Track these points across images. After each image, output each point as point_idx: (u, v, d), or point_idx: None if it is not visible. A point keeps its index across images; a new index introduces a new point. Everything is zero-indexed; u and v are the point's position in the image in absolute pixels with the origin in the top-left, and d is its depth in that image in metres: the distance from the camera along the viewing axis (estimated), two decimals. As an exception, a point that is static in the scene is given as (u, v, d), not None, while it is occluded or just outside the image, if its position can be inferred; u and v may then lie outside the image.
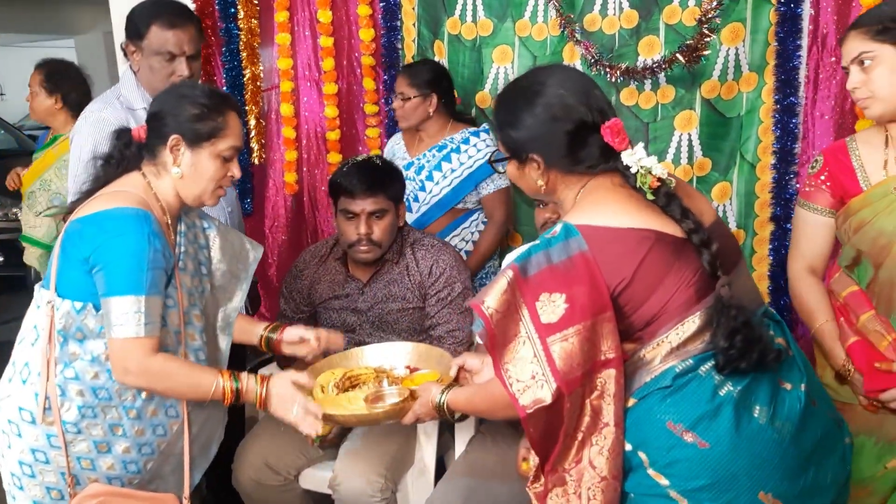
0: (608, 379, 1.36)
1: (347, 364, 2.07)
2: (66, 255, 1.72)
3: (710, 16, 2.60)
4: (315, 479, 2.39)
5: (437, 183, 2.89)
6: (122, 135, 1.85)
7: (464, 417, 1.68)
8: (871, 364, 1.81)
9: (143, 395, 1.74)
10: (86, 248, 1.67)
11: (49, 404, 1.70)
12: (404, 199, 2.49)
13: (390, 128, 3.22)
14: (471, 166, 2.86)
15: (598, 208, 1.41)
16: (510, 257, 2.41)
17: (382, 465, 2.25)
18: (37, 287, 1.81)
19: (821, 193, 1.93)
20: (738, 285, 1.42)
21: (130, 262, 1.64)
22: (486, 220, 2.93)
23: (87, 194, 1.80)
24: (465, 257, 2.79)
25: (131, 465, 1.77)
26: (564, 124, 1.44)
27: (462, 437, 2.33)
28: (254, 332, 2.05)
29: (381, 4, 3.17)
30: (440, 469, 2.40)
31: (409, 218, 2.86)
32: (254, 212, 3.39)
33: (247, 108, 3.38)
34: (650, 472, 1.37)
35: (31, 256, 3.58)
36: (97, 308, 1.69)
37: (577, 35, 2.86)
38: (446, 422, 1.73)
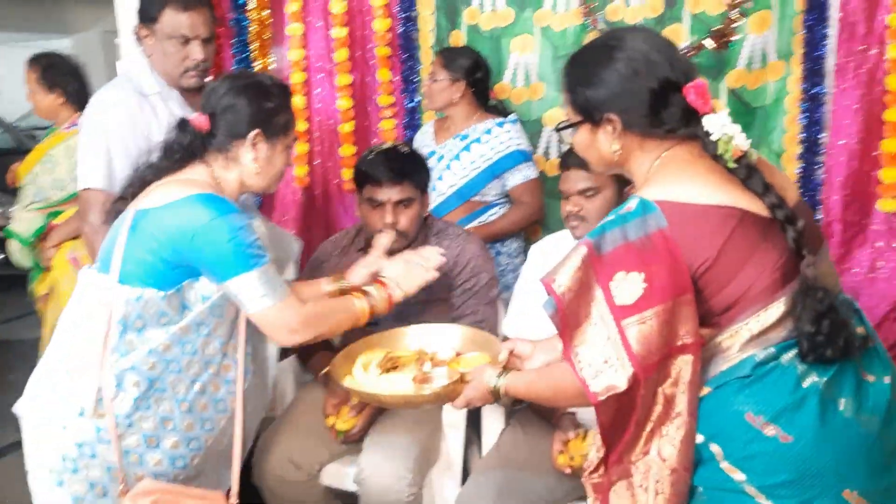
0: (684, 365, 1.28)
1: (387, 345, 1.99)
2: (136, 242, 1.67)
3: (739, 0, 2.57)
4: (338, 474, 2.31)
5: (456, 173, 2.83)
6: (185, 127, 1.80)
7: (519, 403, 1.60)
8: None
9: (196, 387, 1.71)
10: (173, 236, 1.65)
11: (102, 395, 1.63)
12: (430, 190, 2.42)
13: (407, 120, 3.15)
14: (491, 158, 2.79)
15: (677, 182, 1.32)
16: (536, 249, 2.35)
17: (410, 459, 2.17)
18: (85, 273, 1.76)
19: None
20: (822, 270, 1.34)
21: (236, 240, 1.65)
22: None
23: (141, 183, 1.77)
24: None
25: (178, 461, 1.71)
26: (648, 80, 1.36)
27: (492, 431, 2.25)
28: (318, 291, 2.01)
29: (397, -6, 3.11)
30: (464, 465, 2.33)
31: (427, 208, 2.78)
32: (263, 204, 3.31)
33: (257, 100, 3.30)
34: (724, 465, 1.30)
35: (11, 249, 3.49)
36: (164, 292, 1.66)
37: (599, 24, 2.82)
38: (504, 407, 1.64)
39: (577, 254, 1.32)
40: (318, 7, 3.23)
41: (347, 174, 3.19)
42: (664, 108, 1.36)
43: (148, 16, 2.28)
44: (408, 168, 2.32)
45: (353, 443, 2.31)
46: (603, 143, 1.43)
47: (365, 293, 1.91)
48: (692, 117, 1.36)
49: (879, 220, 2.65)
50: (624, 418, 1.30)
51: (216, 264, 1.66)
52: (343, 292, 1.99)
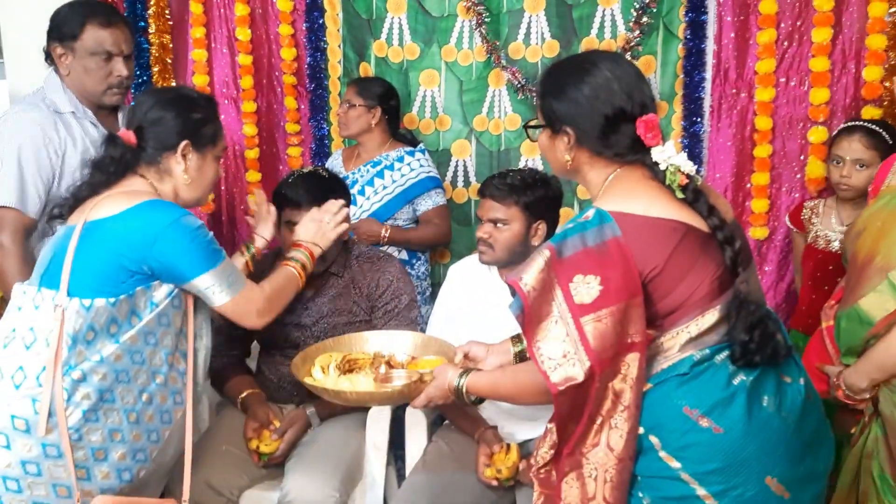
0: (632, 362, 1.39)
1: (343, 349, 2.05)
2: (87, 254, 1.67)
3: (631, 45, 2.82)
4: (258, 499, 2.29)
5: (369, 198, 2.90)
6: (115, 141, 1.80)
7: (480, 401, 1.68)
8: (813, 366, 1.97)
9: (144, 397, 1.70)
10: (133, 242, 1.67)
11: (53, 410, 1.60)
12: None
13: (315, 148, 3.20)
14: (403, 184, 2.89)
15: (629, 197, 1.45)
16: (455, 270, 2.45)
17: (336, 479, 2.19)
18: (22, 288, 1.73)
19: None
20: (752, 284, 1.49)
21: (197, 239, 1.72)
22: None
23: (76, 198, 1.77)
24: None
25: (125, 474, 1.70)
26: (604, 107, 1.48)
27: (415, 447, 2.31)
28: (238, 265, 2.05)
29: (305, 25, 3.18)
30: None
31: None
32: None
33: (157, 124, 3.26)
34: (662, 454, 1.42)
35: None
36: (114, 301, 1.67)
37: (502, 61, 3.00)
38: (464, 405, 1.72)
39: (540, 257, 1.43)
40: (224, 34, 3.25)
41: (253, 199, 3.20)
42: (614, 134, 1.49)
43: (67, 34, 2.23)
44: (328, 191, 2.36)
45: (274, 466, 2.30)
46: (559, 151, 1.55)
47: (290, 259, 2.04)
48: (641, 147, 1.49)
49: (751, 247, 2.95)
50: (578, 411, 1.40)
51: (180, 265, 1.70)
52: (252, 257, 2.11)
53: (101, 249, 1.68)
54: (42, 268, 1.73)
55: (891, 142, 2.45)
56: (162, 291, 1.74)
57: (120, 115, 2.39)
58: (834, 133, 2.62)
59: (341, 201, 2.18)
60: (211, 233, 1.78)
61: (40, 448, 1.61)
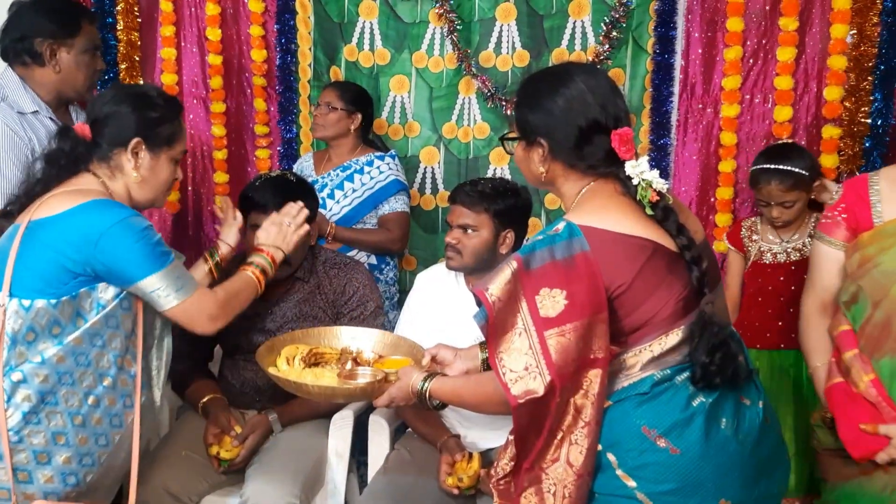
0: (594, 378, 1.40)
1: (312, 342, 2.03)
2: (29, 254, 1.63)
3: (601, 58, 2.85)
4: (218, 506, 2.28)
5: (339, 202, 2.90)
6: (67, 134, 1.77)
7: (442, 406, 1.67)
8: (857, 428, 1.75)
9: (90, 400, 1.67)
10: (76, 243, 1.63)
11: None
12: (315, 217, 2.48)
13: (284, 150, 3.19)
14: (372, 188, 2.89)
15: (601, 212, 1.45)
16: (422, 277, 2.44)
17: (297, 486, 2.18)
18: None
19: (836, 226, 1.86)
20: (718, 306, 1.50)
21: (143, 241, 1.68)
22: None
23: (28, 195, 1.73)
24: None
25: (70, 478, 1.66)
26: (578, 118, 1.47)
27: (378, 454, 2.32)
28: (203, 273, 2.04)
29: (276, 26, 3.16)
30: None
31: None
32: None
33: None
34: (618, 472, 1.42)
35: None
36: (55, 302, 1.63)
37: (472, 69, 3.01)
38: (426, 409, 1.71)
39: (508, 268, 1.43)
40: (194, 33, 3.22)
41: (220, 201, 3.18)
42: (588, 146, 1.48)
43: (67, 31, 2.25)
44: (294, 194, 2.34)
45: (234, 472, 2.29)
46: (533, 162, 1.55)
47: (250, 264, 2.02)
48: (615, 160, 1.48)
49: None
50: (538, 425, 1.40)
51: (125, 267, 1.67)
52: (217, 264, 2.07)
53: (44, 249, 1.65)
54: None
55: (804, 173, 2.44)
56: (109, 293, 1.71)
57: (72, 111, 2.41)
58: (751, 168, 2.59)
59: (300, 203, 2.16)
60: (159, 235, 1.74)
61: None
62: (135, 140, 1.76)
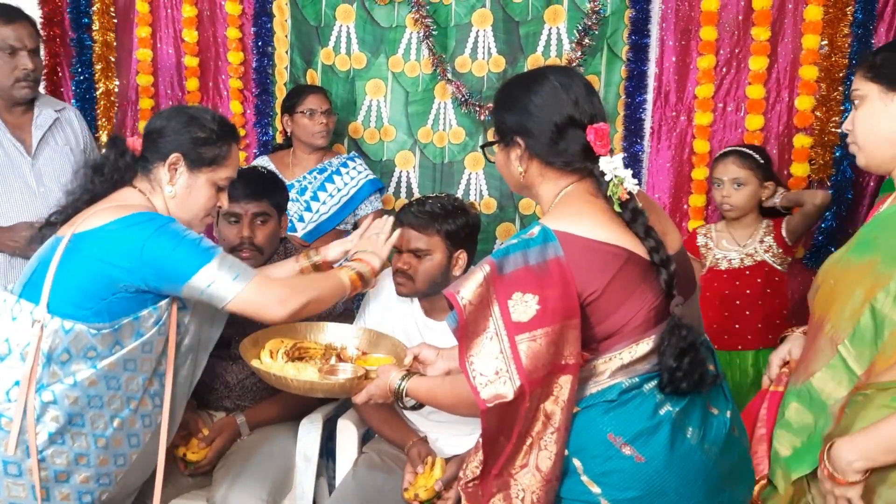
0: (565, 384, 1.39)
1: (296, 337, 2.02)
2: (72, 267, 1.62)
3: (574, 64, 2.87)
4: (185, 509, 2.27)
5: (324, 202, 2.91)
6: (117, 143, 1.77)
7: (418, 406, 1.67)
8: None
9: (115, 423, 1.66)
10: (121, 252, 1.61)
11: (23, 427, 1.56)
12: (286, 213, 2.47)
13: (258, 153, 3.18)
14: (355, 185, 2.92)
15: (577, 216, 1.43)
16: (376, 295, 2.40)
17: (265, 491, 2.17)
18: (2, 296, 1.66)
19: None
20: (690, 313, 1.50)
21: (186, 239, 1.64)
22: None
23: (74, 206, 1.73)
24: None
25: (86, 496, 1.66)
26: (553, 114, 1.48)
27: (346, 458, 2.31)
28: (292, 270, 2.01)
29: (253, 29, 3.16)
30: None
31: (294, 238, 2.83)
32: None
33: (98, 123, 3.22)
34: (583, 478, 1.42)
35: None
36: (98, 330, 1.60)
37: (448, 74, 3.02)
38: (403, 408, 1.71)
39: (480, 271, 1.42)
40: (171, 34, 3.21)
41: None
42: (563, 141, 1.48)
43: None
44: (265, 186, 2.36)
45: (200, 475, 2.28)
46: (512, 163, 1.55)
47: (344, 267, 1.91)
48: (591, 155, 1.48)
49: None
50: (507, 429, 1.40)
51: (175, 266, 1.62)
52: (316, 267, 2.01)
53: (88, 261, 1.62)
54: (25, 278, 1.68)
55: (762, 161, 2.57)
56: (150, 321, 1.67)
57: (36, 108, 2.41)
58: (714, 160, 2.70)
59: (389, 218, 2.10)
60: (202, 234, 1.71)
61: (1, 465, 1.58)
62: (174, 155, 1.74)
